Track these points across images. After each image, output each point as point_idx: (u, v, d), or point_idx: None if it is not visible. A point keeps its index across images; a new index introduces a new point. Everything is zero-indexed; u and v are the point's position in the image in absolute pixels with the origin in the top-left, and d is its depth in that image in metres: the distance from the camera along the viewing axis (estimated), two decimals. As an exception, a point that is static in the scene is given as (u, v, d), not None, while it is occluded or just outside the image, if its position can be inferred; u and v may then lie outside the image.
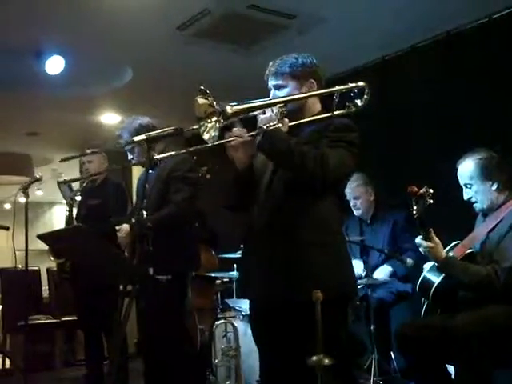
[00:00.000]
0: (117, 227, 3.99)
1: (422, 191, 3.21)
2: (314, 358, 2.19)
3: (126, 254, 3.76)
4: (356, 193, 4.81)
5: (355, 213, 4.88)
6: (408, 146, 5.25)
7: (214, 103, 2.29)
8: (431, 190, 3.21)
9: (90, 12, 4.72)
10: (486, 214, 3.39)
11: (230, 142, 2.49)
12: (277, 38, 5.21)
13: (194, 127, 2.40)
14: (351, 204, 4.83)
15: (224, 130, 2.38)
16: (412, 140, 5.23)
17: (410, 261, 4.43)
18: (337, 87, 2.56)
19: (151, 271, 3.62)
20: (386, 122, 5.38)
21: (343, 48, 5.36)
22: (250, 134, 2.45)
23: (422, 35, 5.20)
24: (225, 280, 5.58)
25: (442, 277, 3.34)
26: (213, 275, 5.34)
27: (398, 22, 4.94)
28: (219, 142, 2.40)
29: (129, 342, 4.99)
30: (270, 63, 2.71)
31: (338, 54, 5.33)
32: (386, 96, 5.24)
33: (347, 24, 5.01)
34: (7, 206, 11.60)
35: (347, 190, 4.67)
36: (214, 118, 2.30)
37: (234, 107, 2.31)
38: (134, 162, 4.14)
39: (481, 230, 3.37)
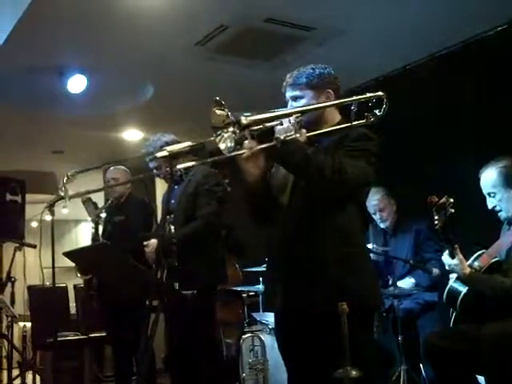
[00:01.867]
0: (145, 242, 4.02)
1: (442, 201, 3.19)
2: (341, 370, 2.18)
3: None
4: (381, 205, 4.80)
5: (381, 225, 4.87)
6: (431, 154, 5.22)
7: (230, 114, 2.30)
8: (452, 200, 3.18)
9: (110, 30, 4.79)
10: (510, 222, 3.35)
11: (241, 154, 2.49)
12: (296, 50, 5.23)
13: (212, 138, 2.41)
14: (377, 217, 4.83)
15: (239, 142, 2.39)
16: (434, 149, 5.20)
17: (435, 270, 4.39)
18: (354, 97, 2.55)
19: (177, 286, 3.63)
20: (408, 131, 5.35)
21: (363, 59, 5.36)
22: (267, 145, 2.44)
23: (440, 44, 5.18)
24: (251, 294, 5.57)
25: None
26: (238, 289, 5.34)
27: (418, 32, 4.93)
28: (233, 153, 2.40)
29: (156, 358, 5.01)
30: (288, 75, 2.71)
31: (358, 65, 5.34)
32: (407, 106, 5.22)
33: (367, 35, 5.02)
34: (34, 224, 11.71)
35: (371, 204, 4.66)
36: (231, 129, 2.31)
37: (249, 117, 2.31)
38: (160, 177, 4.16)
39: (506, 238, 3.34)
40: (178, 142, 4.04)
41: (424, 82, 5.32)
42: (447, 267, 3.25)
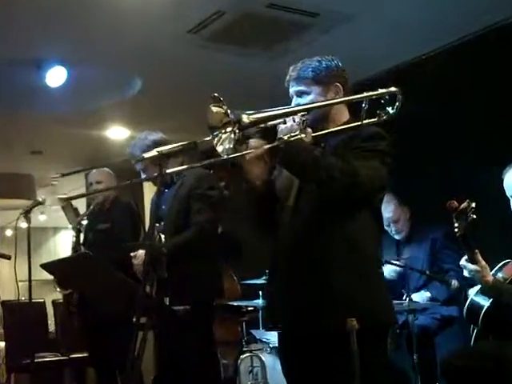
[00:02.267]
0: (132, 253, 4.02)
1: (463, 206, 3.19)
2: (351, 392, 2.19)
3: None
4: (396, 215, 4.85)
5: (396, 237, 4.92)
6: (446, 154, 5.24)
7: (229, 112, 2.29)
8: (473, 205, 3.18)
9: (91, 17, 4.79)
10: (539, 228, 3.37)
11: (245, 155, 2.50)
12: (299, 38, 5.25)
13: (208, 138, 2.41)
14: (391, 230, 4.88)
15: (240, 142, 2.39)
16: (451, 148, 5.21)
17: (454, 282, 4.41)
18: (365, 93, 2.55)
19: (167, 301, 3.63)
20: (422, 129, 5.35)
21: (373, 48, 5.37)
22: (269, 145, 2.45)
23: (459, 32, 5.19)
24: (249, 309, 5.58)
25: (491, 299, 3.31)
26: (236, 304, 5.34)
27: (435, 17, 4.93)
28: (235, 155, 2.41)
29: (145, 380, 5.01)
30: (291, 68, 2.71)
31: (368, 54, 5.36)
32: (422, 100, 5.22)
33: (377, 21, 5.03)
34: (8, 232, 11.72)
35: (384, 216, 4.67)
36: (229, 129, 2.30)
37: (251, 116, 2.32)
38: (147, 180, 4.17)
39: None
40: (167, 141, 4.08)
41: (442, 74, 5.32)
42: (466, 273, 3.24)
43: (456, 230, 3.20)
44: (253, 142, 2.49)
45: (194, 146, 2.61)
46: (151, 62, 5.61)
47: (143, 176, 4.18)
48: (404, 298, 4.52)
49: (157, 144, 4.00)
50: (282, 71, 2.75)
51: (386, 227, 4.80)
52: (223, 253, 4.81)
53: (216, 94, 2.33)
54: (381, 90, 2.58)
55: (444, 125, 5.26)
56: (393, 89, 2.59)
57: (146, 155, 2.70)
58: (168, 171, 2.71)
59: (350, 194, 2.41)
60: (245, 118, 2.30)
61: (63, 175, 3.51)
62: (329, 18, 4.98)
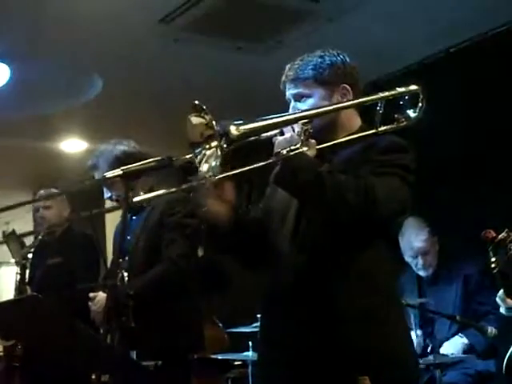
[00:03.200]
0: (90, 295, 3.99)
1: (501, 236, 3.20)
2: None
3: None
4: (427, 246, 4.85)
5: (421, 273, 4.92)
6: (480, 174, 5.25)
7: (214, 123, 2.27)
8: None
9: (42, 5, 4.80)
10: None
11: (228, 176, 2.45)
12: (298, 28, 5.25)
13: (188, 156, 2.39)
14: (417, 263, 4.88)
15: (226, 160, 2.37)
16: (485, 167, 5.23)
17: (491, 329, 4.40)
18: (381, 94, 2.55)
19: (134, 355, 3.61)
20: (449, 139, 5.37)
21: (389, 39, 5.41)
22: (264, 163, 2.42)
23: (493, 22, 5.23)
24: (237, 363, 5.57)
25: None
26: (220, 357, 5.33)
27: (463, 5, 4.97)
28: (220, 176, 2.36)
29: None
30: (287, 66, 2.70)
31: (383, 47, 5.40)
32: (450, 102, 5.24)
33: (393, 7, 5.04)
34: None
35: (414, 245, 4.73)
36: (214, 143, 2.29)
37: (242, 127, 2.29)
38: (113, 199, 4.14)
39: None
40: (142, 154, 4.04)
41: (474, 69, 5.35)
42: (504, 311, 3.24)
43: (493, 264, 3.20)
44: (202, 172, 2.46)
45: (169, 163, 2.59)
46: (114, 58, 5.63)
47: (107, 194, 4.15)
48: (428, 350, 4.53)
49: (128, 156, 3.97)
50: (276, 69, 2.73)
51: (408, 259, 4.80)
52: (204, 287, 4.78)
53: (197, 102, 2.31)
54: (399, 89, 2.59)
55: (481, 133, 5.29)
56: (413, 87, 2.60)
57: (109, 174, 2.68)
58: (135, 199, 2.68)
59: (365, 219, 2.39)
60: (233, 130, 2.27)
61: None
62: (334, 3, 4.99)
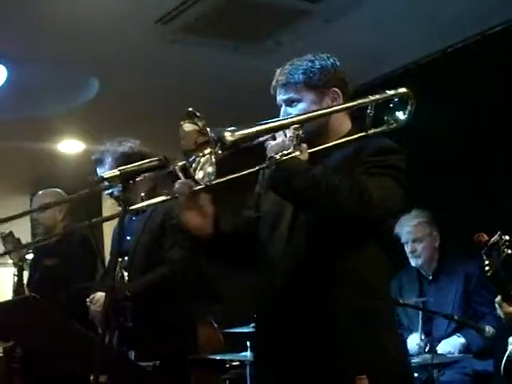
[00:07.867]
0: (88, 297, 4.01)
1: (493, 239, 3.21)
2: None
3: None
4: (417, 234, 4.85)
5: (413, 262, 4.91)
6: (483, 172, 5.27)
7: (208, 129, 2.29)
8: (507, 237, 3.20)
9: (39, 6, 4.83)
10: None
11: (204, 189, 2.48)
12: (296, 28, 5.26)
13: (181, 163, 2.43)
14: (408, 249, 4.88)
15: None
16: (488, 164, 5.26)
17: (489, 329, 4.42)
18: (370, 97, 2.58)
19: (132, 356, 3.64)
20: (451, 140, 5.39)
21: (387, 40, 5.42)
22: (257, 168, 2.47)
23: (488, 22, 5.25)
24: (234, 364, 5.57)
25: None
26: (218, 358, 5.34)
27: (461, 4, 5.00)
28: (216, 181, 2.39)
29: None
30: (278, 71, 2.74)
31: (379, 48, 5.42)
32: (449, 104, 5.26)
33: (392, 7, 5.06)
34: None
35: (404, 230, 4.74)
36: (208, 150, 2.31)
37: (236, 133, 2.32)
38: (113, 195, 4.11)
39: None
40: (144, 153, 4.03)
41: (471, 71, 5.36)
42: (500, 313, 3.26)
43: (486, 267, 3.22)
44: (178, 184, 2.51)
45: (164, 163, 2.61)
46: (111, 60, 5.65)
47: (109, 190, 4.13)
48: (426, 349, 4.54)
49: (134, 154, 3.99)
50: (274, 69, 2.76)
51: (404, 245, 4.83)
52: (201, 292, 4.81)
53: (191, 109, 2.34)
54: (388, 92, 2.63)
55: (481, 134, 5.30)
56: (402, 90, 2.64)
57: (107, 174, 2.70)
58: (133, 207, 2.71)
59: (360, 219, 2.43)
60: (228, 136, 2.30)
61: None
62: (331, 5, 4.99)
